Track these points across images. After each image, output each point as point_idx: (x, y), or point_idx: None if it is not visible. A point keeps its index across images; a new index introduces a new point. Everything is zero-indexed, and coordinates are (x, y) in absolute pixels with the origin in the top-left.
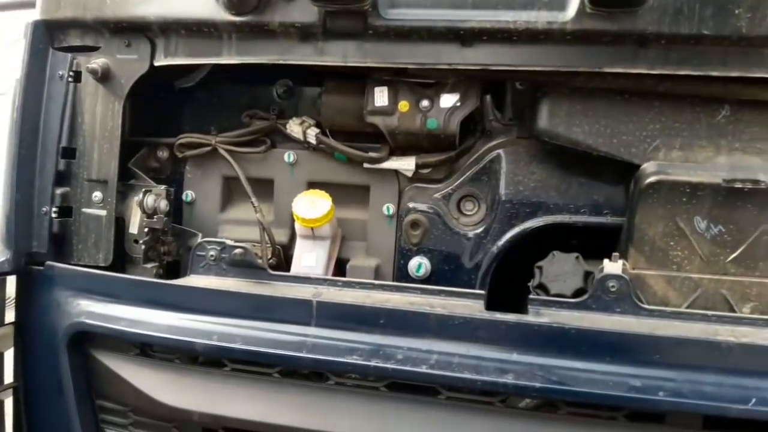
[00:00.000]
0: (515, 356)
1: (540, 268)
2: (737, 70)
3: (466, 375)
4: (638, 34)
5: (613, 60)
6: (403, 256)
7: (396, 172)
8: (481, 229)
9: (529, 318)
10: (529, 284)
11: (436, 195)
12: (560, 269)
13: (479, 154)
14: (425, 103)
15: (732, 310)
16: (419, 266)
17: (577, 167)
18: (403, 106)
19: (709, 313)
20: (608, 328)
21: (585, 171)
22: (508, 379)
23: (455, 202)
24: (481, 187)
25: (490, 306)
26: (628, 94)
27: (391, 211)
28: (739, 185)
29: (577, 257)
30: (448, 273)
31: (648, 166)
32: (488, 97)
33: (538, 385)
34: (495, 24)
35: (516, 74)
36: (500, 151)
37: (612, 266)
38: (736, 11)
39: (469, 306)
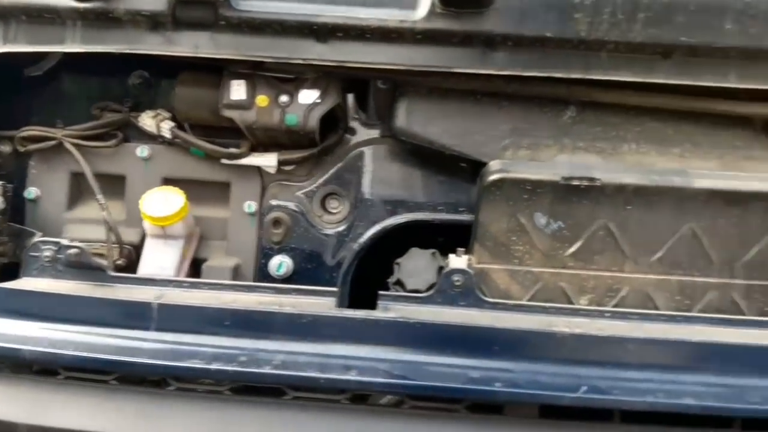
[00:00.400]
0: (361, 352)
1: (398, 264)
2: (578, 72)
3: (310, 374)
4: (486, 35)
5: (463, 60)
6: (264, 255)
7: (259, 169)
8: (343, 227)
9: (377, 313)
10: (388, 280)
11: (299, 193)
12: (416, 265)
13: (343, 151)
14: (284, 98)
15: (570, 302)
16: (280, 265)
17: (437, 166)
18: (261, 100)
19: (547, 305)
20: (450, 322)
21: (444, 170)
22: (351, 376)
23: (319, 200)
24: (346, 185)
25: (355, 304)
26: (480, 94)
27: (253, 209)
28: (576, 182)
29: (433, 253)
30: (310, 271)
31: (492, 165)
32: (350, 95)
33: (380, 380)
34: (348, 20)
35: (373, 72)
36: (364, 149)
37: (457, 261)
38: (576, 15)
39: (320, 304)
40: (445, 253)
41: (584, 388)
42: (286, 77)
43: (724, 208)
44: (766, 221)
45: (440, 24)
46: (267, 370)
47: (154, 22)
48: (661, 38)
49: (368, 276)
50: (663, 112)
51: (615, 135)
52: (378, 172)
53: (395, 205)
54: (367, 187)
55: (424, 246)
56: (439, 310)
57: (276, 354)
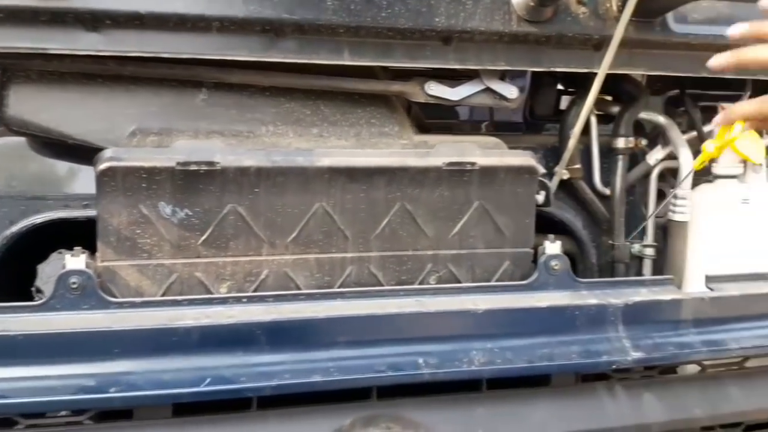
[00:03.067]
0: None
1: (39, 269)
2: (190, 51)
3: None
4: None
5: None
6: None
7: None
8: None
9: None
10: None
11: None
12: (57, 269)
13: None
14: None
15: (209, 291)
16: None
17: (75, 158)
18: None
19: (180, 298)
20: (58, 330)
21: (82, 161)
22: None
23: None
24: None
25: None
26: (102, 78)
27: None
28: (194, 167)
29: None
30: None
31: (103, 153)
32: None
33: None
34: None
35: None
36: None
37: (73, 261)
38: None
39: None
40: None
41: (208, 380)
42: None
43: (351, 184)
44: (390, 194)
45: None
46: None
47: None
48: (264, 15)
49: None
50: (298, 92)
51: (251, 117)
52: (7, 170)
53: (32, 204)
54: None
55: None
56: (55, 318)
57: None
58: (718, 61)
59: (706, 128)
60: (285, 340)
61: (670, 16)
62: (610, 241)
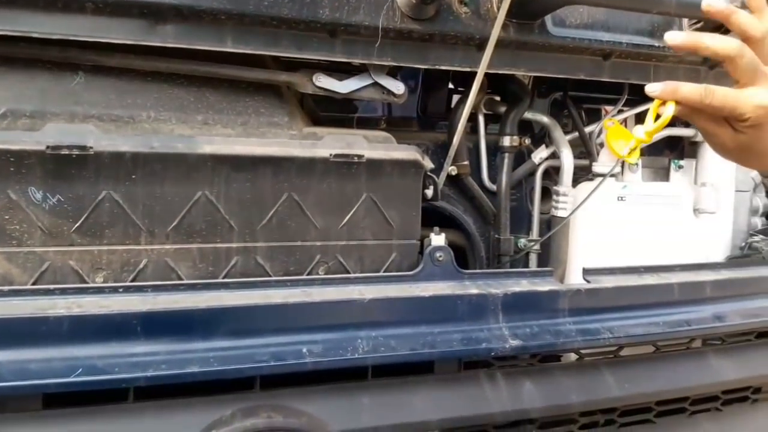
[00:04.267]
0: None
1: None
2: (88, 35)
3: None
4: None
5: None
6: None
7: None
8: None
9: None
10: None
11: None
12: None
13: None
14: None
15: (83, 280)
16: None
17: None
18: None
19: (52, 287)
20: None
21: None
22: None
23: None
24: None
25: None
26: None
27: None
28: (66, 152)
29: None
30: None
31: None
32: None
33: None
34: None
35: None
36: None
37: None
38: None
39: None
40: None
41: (80, 370)
42: None
43: (235, 173)
44: (277, 184)
45: None
46: None
47: None
48: None
49: None
50: (183, 78)
51: (132, 102)
52: None
53: None
54: None
55: None
56: None
57: None
58: (673, 37)
59: (587, 129)
60: (162, 331)
61: (548, 20)
62: (497, 236)
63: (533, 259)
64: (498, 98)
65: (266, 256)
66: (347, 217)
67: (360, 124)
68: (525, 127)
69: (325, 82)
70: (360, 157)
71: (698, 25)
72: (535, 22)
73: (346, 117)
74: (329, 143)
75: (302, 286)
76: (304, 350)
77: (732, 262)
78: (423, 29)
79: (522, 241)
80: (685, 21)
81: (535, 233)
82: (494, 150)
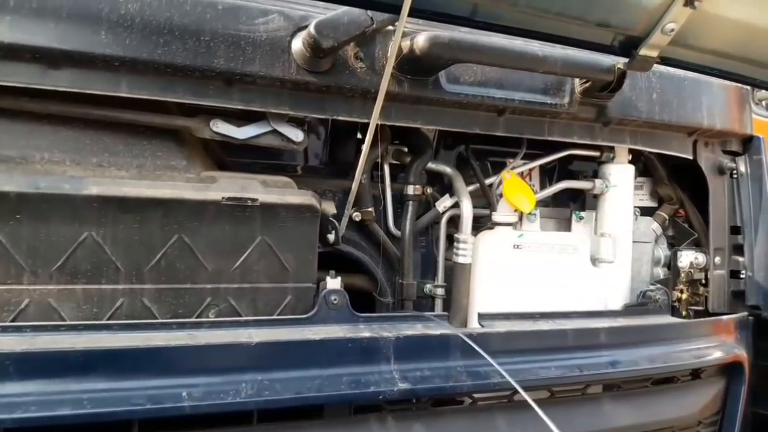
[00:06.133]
0: None
1: None
2: None
3: None
4: None
5: None
6: None
7: None
8: None
9: None
10: None
11: None
12: None
13: None
14: None
15: None
16: None
17: None
18: None
19: None
20: None
21: None
22: None
23: None
24: None
25: None
26: None
27: None
28: None
29: None
30: None
31: None
32: None
33: None
34: None
35: None
36: None
37: None
38: None
39: None
40: None
41: None
42: None
43: (124, 215)
44: (167, 226)
45: None
46: None
47: None
48: (33, 42)
49: None
50: (79, 120)
51: (26, 144)
52: None
53: None
54: None
55: None
56: None
57: None
58: None
59: (489, 180)
60: (37, 372)
61: (442, 76)
62: (400, 281)
63: (438, 304)
64: (405, 149)
65: (153, 298)
66: (240, 260)
67: (278, 170)
68: (436, 177)
69: (222, 127)
70: (254, 200)
71: (587, 85)
72: (429, 78)
73: (262, 163)
74: (223, 186)
75: (189, 329)
76: (184, 394)
77: (628, 309)
78: (319, 81)
79: (428, 287)
80: (576, 80)
81: (440, 279)
82: (401, 198)
